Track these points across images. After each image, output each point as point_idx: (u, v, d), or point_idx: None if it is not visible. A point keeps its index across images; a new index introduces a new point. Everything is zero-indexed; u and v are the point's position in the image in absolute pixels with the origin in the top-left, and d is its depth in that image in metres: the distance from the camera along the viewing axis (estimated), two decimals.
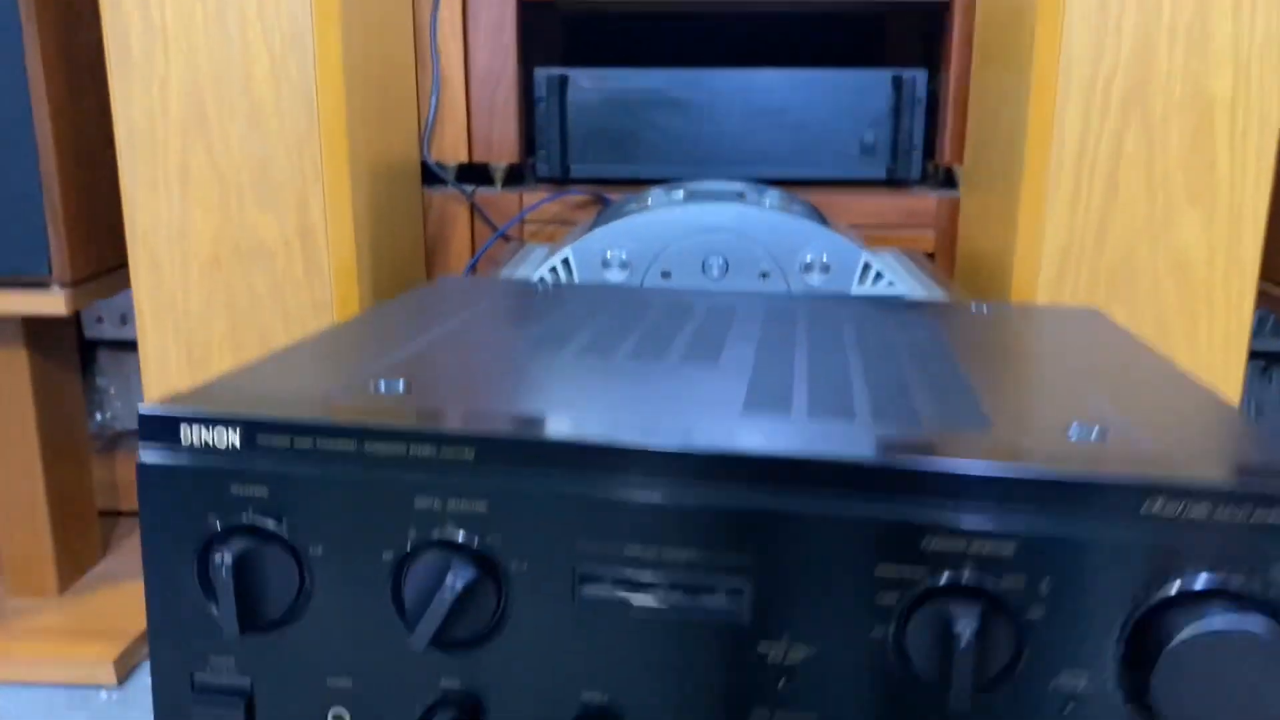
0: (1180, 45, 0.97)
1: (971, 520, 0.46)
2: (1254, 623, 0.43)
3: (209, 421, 0.50)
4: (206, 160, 1.07)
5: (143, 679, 1.24)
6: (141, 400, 1.64)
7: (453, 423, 0.50)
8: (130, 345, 1.63)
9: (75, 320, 1.40)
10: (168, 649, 0.53)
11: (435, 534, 0.49)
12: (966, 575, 0.46)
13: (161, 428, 0.51)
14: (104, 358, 1.61)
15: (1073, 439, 0.51)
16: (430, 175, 1.42)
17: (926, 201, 1.39)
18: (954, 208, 1.38)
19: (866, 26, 1.77)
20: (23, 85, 1.07)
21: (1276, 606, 0.44)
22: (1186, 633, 0.43)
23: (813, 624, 0.47)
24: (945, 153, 1.41)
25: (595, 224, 1.13)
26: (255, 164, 1.07)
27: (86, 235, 1.15)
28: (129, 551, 1.49)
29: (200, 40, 1.04)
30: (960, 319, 0.85)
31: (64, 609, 1.33)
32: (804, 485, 0.47)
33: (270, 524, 0.50)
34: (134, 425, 1.64)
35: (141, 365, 1.13)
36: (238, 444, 0.50)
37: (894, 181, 1.43)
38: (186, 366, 1.13)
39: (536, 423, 0.51)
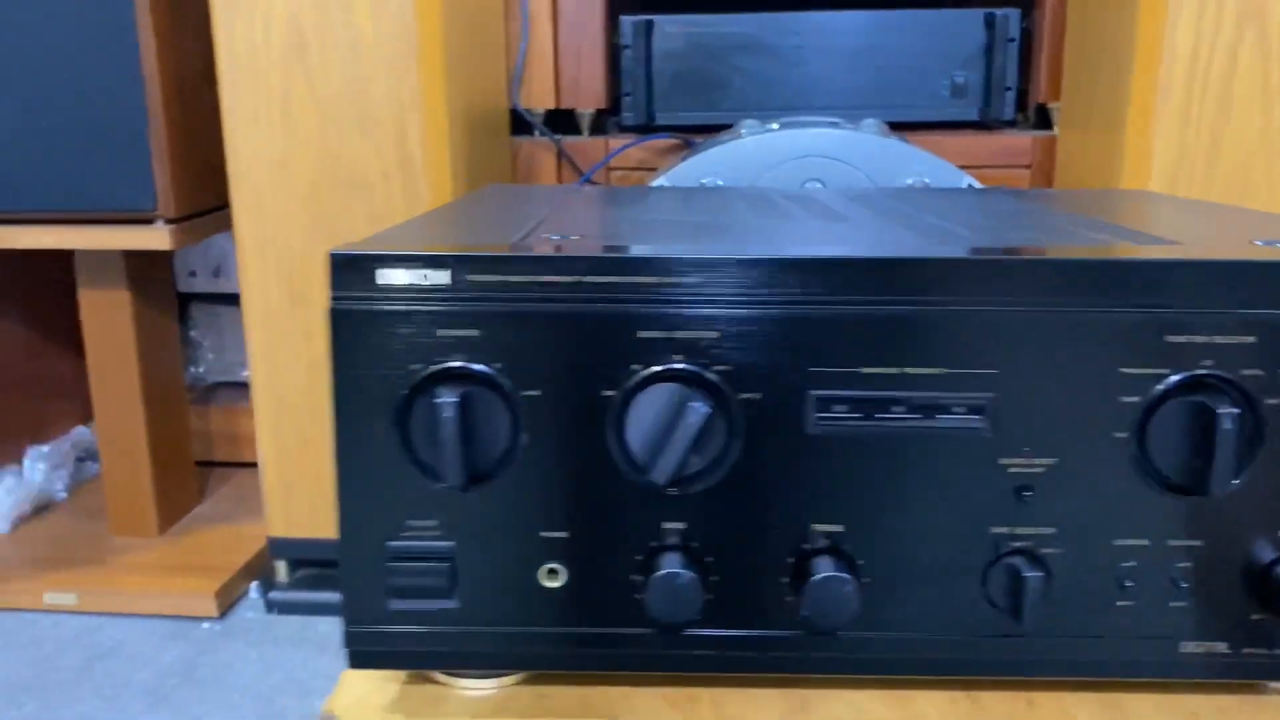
0: None
1: (1212, 314, 0.45)
2: None
3: (411, 261, 0.46)
4: (306, 90, 1.08)
5: (242, 612, 1.26)
6: (233, 353, 1.67)
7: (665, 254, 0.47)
8: (223, 298, 1.66)
9: (169, 269, 1.43)
10: (359, 516, 0.48)
11: (662, 367, 0.46)
12: (1209, 368, 0.45)
13: (356, 272, 0.46)
14: (197, 311, 1.64)
15: (1260, 245, 0.50)
16: (517, 124, 1.42)
17: (1021, 140, 1.36)
18: (1050, 145, 1.35)
19: None
20: (130, 20, 1.09)
21: None
22: None
23: (1055, 431, 0.47)
24: (1041, 91, 1.38)
25: (687, 157, 1.13)
26: (355, 94, 1.08)
27: (189, 173, 1.18)
28: (224, 498, 1.51)
29: None
30: (1056, 199, 0.83)
31: (165, 547, 1.36)
32: (1046, 287, 0.45)
33: (482, 368, 0.46)
34: (226, 378, 1.67)
35: (243, 298, 1.15)
36: (446, 282, 0.46)
37: (985, 123, 1.40)
38: (287, 300, 1.14)
39: (763, 251, 0.47)
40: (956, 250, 0.49)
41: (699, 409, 0.45)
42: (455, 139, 1.13)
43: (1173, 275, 0.46)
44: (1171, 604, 0.48)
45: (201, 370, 1.67)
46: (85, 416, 1.64)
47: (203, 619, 1.24)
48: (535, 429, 0.47)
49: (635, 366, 0.46)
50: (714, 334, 0.46)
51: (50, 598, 1.26)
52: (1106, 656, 0.49)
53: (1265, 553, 0.48)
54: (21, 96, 1.12)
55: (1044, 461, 0.47)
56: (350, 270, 0.46)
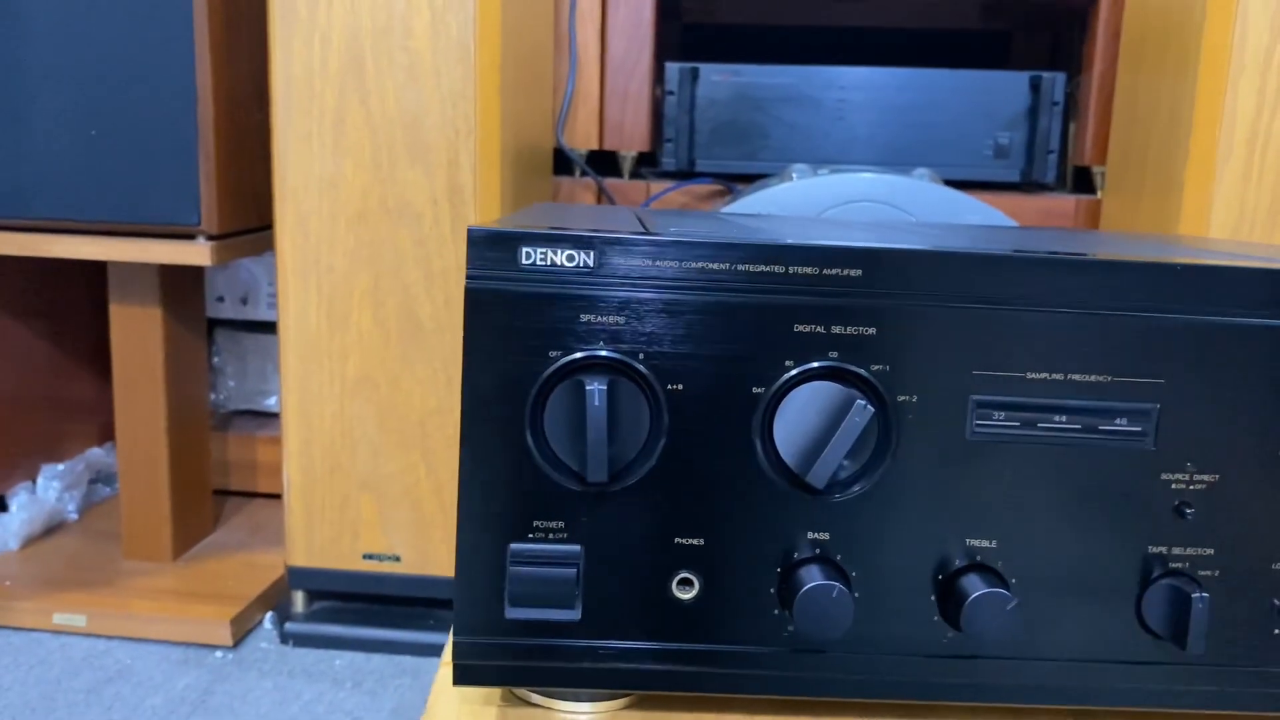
0: None
1: None
2: None
3: (557, 240, 0.43)
4: (361, 114, 1.08)
5: (256, 642, 1.23)
6: (255, 381, 1.65)
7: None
8: (249, 325, 1.64)
9: (202, 291, 1.42)
10: (480, 515, 0.45)
11: (817, 363, 0.44)
12: None
13: (495, 250, 0.43)
14: (221, 337, 1.63)
15: None
16: (559, 163, 1.42)
17: (1064, 203, 1.36)
18: (1092, 208, 1.35)
19: (991, 28, 1.76)
20: (188, 34, 1.09)
21: None
22: None
23: (1220, 446, 0.45)
24: (1085, 154, 1.38)
25: (730, 202, 1.12)
26: (409, 119, 1.07)
27: (233, 191, 1.17)
28: (239, 527, 1.49)
29: None
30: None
31: (178, 573, 1.33)
32: (1219, 295, 0.44)
33: (625, 358, 0.44)
34: (247, 406, 1.65)
35: (280, 319, 1.14)
36: (591, 264, 0.44)
37: (1026, 184, 1.40)
38: (326, 322, 1.13)
39: (927, 243, 0.46)
40: (1120, 251, 0.47)
41: (865, 408, 0.43)
42: (504, 172, 1.13)
43: None
44: None
45: (223, 397, 1.65)
46: (102, 438, 1.62)
47: (216, 647, 1.20)
48: (676, 426, 0.45)
49: (789, 362, 0.44)
50: (872, 330, 0.44)
51: (60, 618, 1.22)
52: (1262, 688, 0.46)
53: None
54: (71, 104, 1.11)
55: (1206, 478, 0.45)
56: (491, 247, 0.44)
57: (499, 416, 0.44)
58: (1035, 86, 1.39)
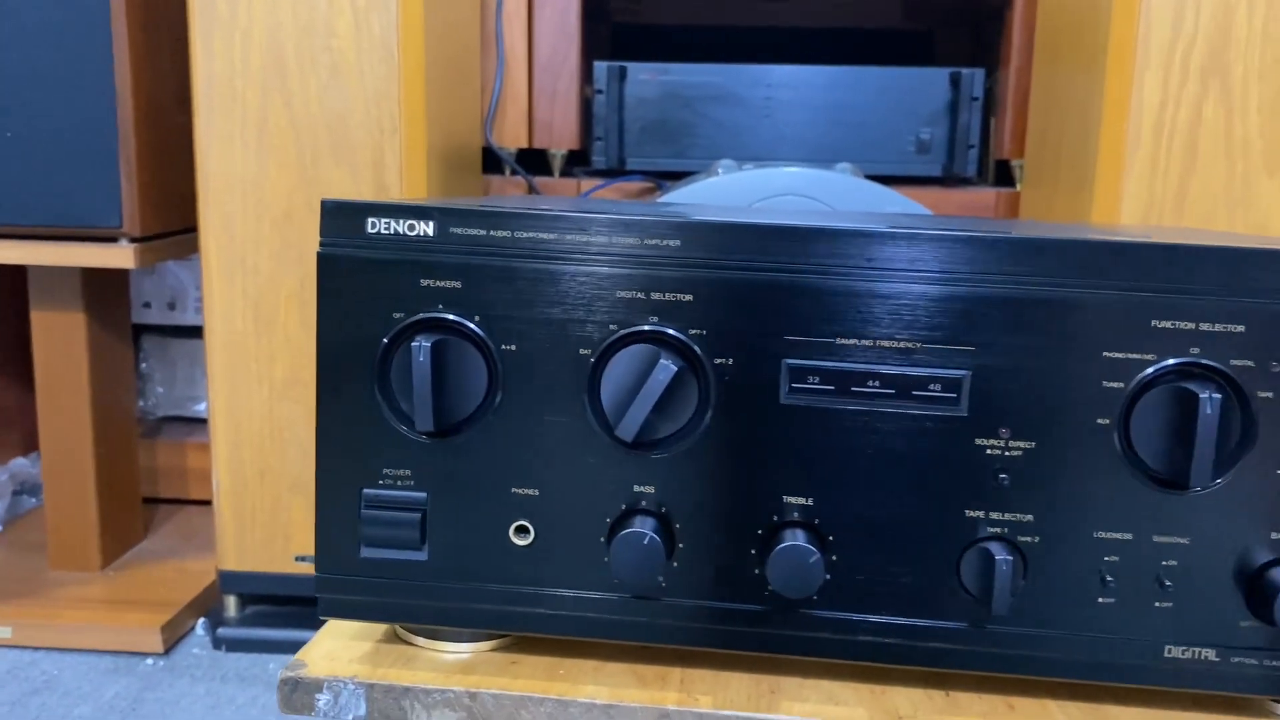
0: (1260, 10, 0.98)
1: (1200, 300, 0.45)
2: None
3: (399, 211, 0.47)
4: (285, 114, 1.07)
5: (188, 649, 1.21)
6: (184, 387, 1.63)
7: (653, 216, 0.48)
8: (177, 331, 1.62)
9: (126, 295, 1.40)
10: (336, 463, 0.49)
11: (638, 327, 0.47)
12: (1197, 355, 0.45)
13: (346, 220, 0.48)
14: (149, 343, 1.60)
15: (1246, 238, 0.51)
16: (489, 162, 1.42)
17: (984, 195, 1.39)
18: (1012, 201, 1.38)
19: (913, 26, 1.79)
20: (106, 35, 1.07)
21: None
22: None
23: (1035, 414, 0.46)
24: (1004, 148, 1.41)
25: (658, 197, 1.14)
26: (333, 118, 1.07)
27: (156, 194, 1.16)
28: (169, 534, 1.47)
29: None
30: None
31: (107, 582, 1.31)
32: (1027, 268, 0.45)
33: (462, 319, 0.47)
34: (176, 412, 1.63)
35: (206, 321, 1.13)
36: (430, 234, 0.47)
37: (948, 178, 1.43)
38: (253, 325, 1.12)
39: (740, 217, 0.48)
40: (934, 226, 0.49)
41: (666, 367, 0.46)
42: (431, 170, 1.13)
43: (1161, 259, 0.45)
44: (1157, 604, 0.47)
45: (151, 404, 1.63)
46: (26, 447, 1.59)
47: (146, 655, 1.19)
48: (511, 384, 0.48)
49: (613, 326, 0.47)
50: (689, 296, 0.47)
51: None
52: (1085, 657, 0.47)
53: (1256, 556, 0.46)
54: None
55: (1022, 445, 0.46)
56: (340, 217, 0.48)
57: (350, 372, 0.48)
58: (955, 82, 1.42)
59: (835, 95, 1.46)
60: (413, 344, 0.46)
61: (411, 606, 0.50)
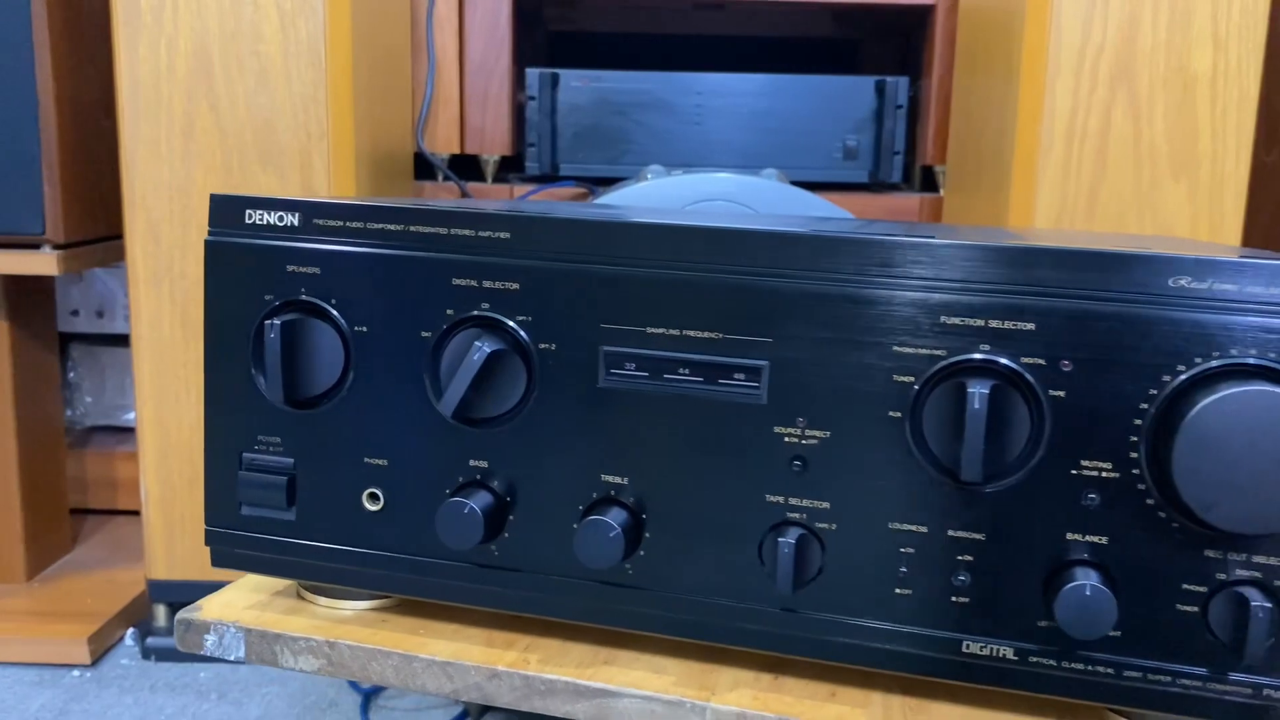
0: (1164, 21, 1.01)
1: (990, 297, 0.46)
2: (1262, 388, 0.42)
3: (271, 205, 0.54)
4: (211, 118, 1.07)
5: (116, 659, 1.20)
6: (114, 396, 1.60)
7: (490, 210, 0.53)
8: (106, 339, 1.60)
9: (52, 304, 1.38)
10: (221, 426, 0.55)
11: (471, 312, 0.51)
12: (983, 351, 0.46)
13: (229, 211, 0.54)
14: (77, 352, 1.58)
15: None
16: (420, 168, 1.43)
17: (909, 201, 1.42)
18: (936, 206, 1.41)
19: (843, 35, 1.82)
20: (28, 40, 1.06)
21: None
22: (1201, 403, 0.42)
23: (829, 405, 0.48)
24: (928, 154, 1.45)
25: (593, 200, 1.15)
26: (261, 123, 1.07)
27: (82, 200, 1.15)
28: (98, 545, 1.45)
29: None
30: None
31: (33, 593, 1.29)
32: (824, 263, 0.47)
33: (320, 301, 0.53)
34: (105, 422, 1.60)
35: (133, 329, 1.12)
36: (295, 224, 0.53)
37: (875, 184, 1.46)
38: (180, 331, 1.11)
39: (568, 212, 0.53)
40: (735, 223, 0.51)
41: (480, 349, 0.50)
42: (361, 176, 1.13)
43: (953, 256, 0.46)
44: (954, 599, 0.47)
45: (80, 413, 1.61)
46: None
47: (73, 666, 1.17)
48: (363, 362, 0.53)
49: (450, 311, 0.51)
50: (516, 285, 0.51)
51: None
52: (884, 645, 0.48)
53: (1049, 555, 0.46)
54: None
55: (818, 434, 0.48)
56: (225, 208, 0.54)
57: (230, 347, 0.55)
58: (880, 90, 1.45)
59: (764, 102, 1.49)
60: (266, 323, 0.52)
61: (282, 561, 0.56)
